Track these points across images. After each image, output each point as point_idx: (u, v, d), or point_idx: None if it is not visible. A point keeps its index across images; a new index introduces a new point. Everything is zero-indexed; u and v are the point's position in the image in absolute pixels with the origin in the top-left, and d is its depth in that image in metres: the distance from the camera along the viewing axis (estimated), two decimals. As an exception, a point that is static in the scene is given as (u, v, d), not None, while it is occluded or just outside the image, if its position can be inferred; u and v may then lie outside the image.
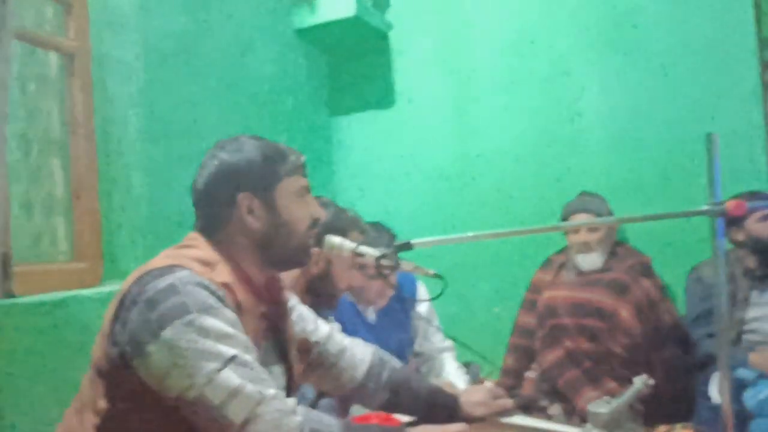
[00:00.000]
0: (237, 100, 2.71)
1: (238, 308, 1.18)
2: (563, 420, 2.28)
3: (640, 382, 1.40)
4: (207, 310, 1.10)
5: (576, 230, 2.56)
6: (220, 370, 1.07)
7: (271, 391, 1.11)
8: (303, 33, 3.15)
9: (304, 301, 1.59)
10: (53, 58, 2.16)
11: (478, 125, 3.12)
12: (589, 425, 1.33)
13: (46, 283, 1.93)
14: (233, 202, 1.25)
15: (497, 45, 3.08)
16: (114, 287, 1.94)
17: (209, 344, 1.08)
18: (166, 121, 2.34)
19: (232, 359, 1.09)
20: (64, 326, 1.82)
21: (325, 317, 1.68)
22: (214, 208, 1.27)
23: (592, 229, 2.51)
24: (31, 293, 1.81)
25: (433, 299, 1.64)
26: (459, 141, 3.16)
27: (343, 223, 1.82)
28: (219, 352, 1.08)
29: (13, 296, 1.75)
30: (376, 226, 2.20)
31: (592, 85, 2.90)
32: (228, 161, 1.26)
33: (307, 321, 1.51)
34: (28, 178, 2.05)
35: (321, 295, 1.81)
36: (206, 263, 1.20)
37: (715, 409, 2.01)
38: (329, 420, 1.18)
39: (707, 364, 2.30)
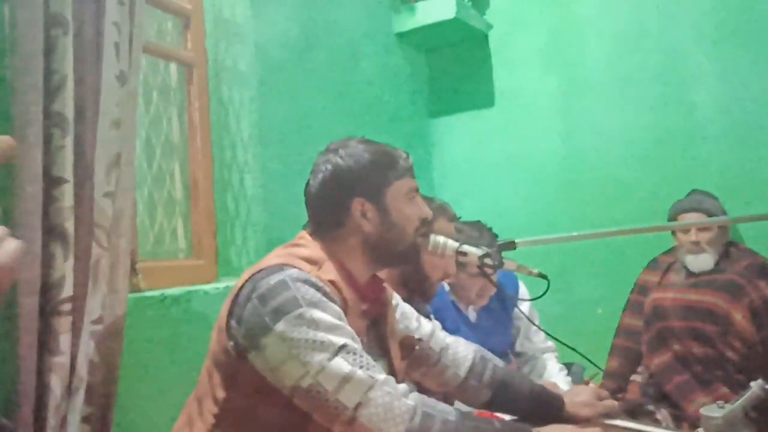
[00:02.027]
0: (344, 104, 2.79)
1: (343, 305, 1.24)
2: (672, 425, 2.22)
3: (758, 386, 1.34)
4: (316, 304, 1.16)
5: (686, 230, 2.47)
6: (331, 358, 1.13)
7: (382, 376, 1.16)
8: (403, 36, 3.20)
9: (398, 294, 1.61)
10: (173, 68, 2.31)
11: (584, 122, 3.05)
12: (700, 430, 1.30)
13: (168, 279, 2.05)
14: (347, 207, 1.31)
15: (605, 38, 3.00)
16: (229, 283, 2.05)
17: (320, 335, 1.14)
18: (277, 126, 2.44)
19: (342, 348, 1.14)
20: (184, 319, 1.93)
21: (426, 314, 1.71)
22: (327, 212, 1.33)
23: (703, 228, 2.42)
24: (154, 288, 1.93)
25: (535, 299, 1.63)
26: (563, 139, 3.11)
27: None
28: (330, 341, 1.14)
29: (139, 290, 1.89)
30: (477, 225, 2.20)
31: (707, 76, 2.77)
32: (341, 166, 1.31)
33: (411, 319, 1.54)
34: (151, 180, 2.20)
35: (414, 288, 1.81)
36: (314, 262, 1.26)
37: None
38: (444, 407, 1.20)
39: (830, 372, 2.17)
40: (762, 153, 2.65)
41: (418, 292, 1.80)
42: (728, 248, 2.51)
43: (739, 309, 2.26)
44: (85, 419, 1.49)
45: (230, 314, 1.22)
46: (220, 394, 1.23)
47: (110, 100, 1.51)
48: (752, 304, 2.28)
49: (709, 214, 2.43)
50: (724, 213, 2.49)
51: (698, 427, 1.31)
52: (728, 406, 1.30)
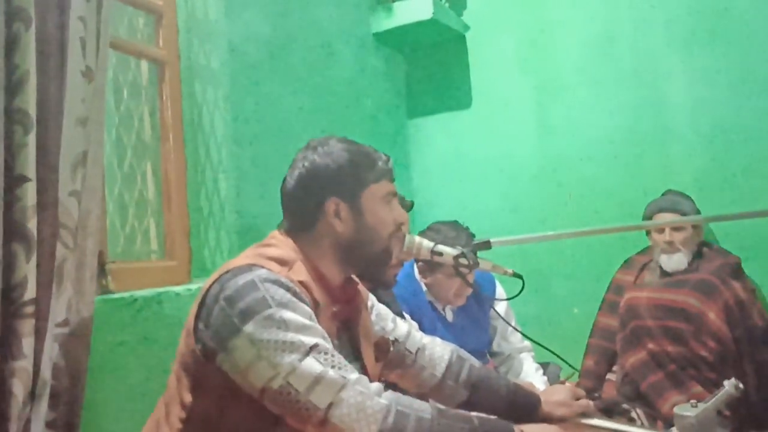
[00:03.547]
0: (320, 104, 2.77)
1: (314, 306, 1.22)
2: (647, 424, 2.22)
3: (731, 385, 1.35)
4: (285, 304, 1.14)
5: (660, 230, 2.49)
6: (302, 359, 1.11)
7: (354, 376, 1.14)
8: (380, 36, 3.19)
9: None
10: (144, 66, 2.27)
11: (560, 123, 3.07)
12: (674, 429, 1.30)
13: (139, 281, 2.01)
14: (321, 206, 1.29)
15: (579, 41, 3.03)
16: (202, 285, 2.02)
17: (290, 336, 1.12)
18: (252, 126, 2.42)
19: (314, 348, 1.12)
20: (155, 321, 1.90)
21: (398, 312, 1.69)
22: (301, 210, 1.31)
23: (677, 228, 2.44)
24: (125, 290, 1.89)
25: (511, 299, 1.63)
26: (539, 140, 3.12)
27: None
28: (300, 342, 1.12)
29: (108, 292, 1.85)
30: (454, 225, 2.20)
31: (679, 79, 2.80)
32: (318, 164, 1.29)
33: (386, 320, 1.53)
34: (122, 180, 2.16)
35: (370, 276, 1.77)
36: (284, 262, 1.24)
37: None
38: (420, 404, 1.18)
39: (803, 370, 2.19)
40: (732, 154, 2.68)
41: (375, 280, 1.76)
42: (702, 248, 2.53)
43: (712, 308, 2.28)
44: (50, 425, 1.45)
45: (198, 316, 1.20)
46: (188, 398, 1.20)
47: (76, 97, 1.47)
48: (726, 303, 2.30)
49: (684, 214, 2.45)
50: (698, 213, 2.51)
51: (673, 425, 1.31)
52: (702, 405, 1.30)
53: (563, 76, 3.07)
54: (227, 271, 1.20)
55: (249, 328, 1.11)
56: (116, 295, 1.83)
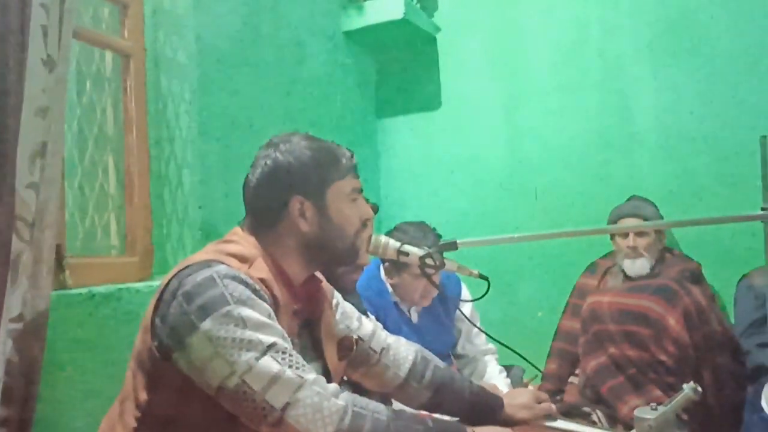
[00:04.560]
0: (288, 101, 2.75)
1: (274, 304, 1.20)
2: (607, 426, 2.25)
3: (689, 389, 1.36)
4: (244, 301, 1.12)
5: (624, 234, 2.52)
6: (259, 357, 1.09)
7: (311, 376, 1.12)
8: (351, 35, 3.18)
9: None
10: (109, 57, 2.22)
11: (528, 127, 3.10)
12: (634, 432, 1.31)
13: (98, 276, 1.98)
14: (284, 204, 1.27)
15: (548, 46, 3.06)
16: (163, 281, 1.99)
17: (248, 333, 1.10)
18: (218, 121, 2.38)
19: (271, 346, 1.11)
20: (114, 318, 1.86)
21: (362, 311, 1.68)
22: (264, 208, 1.29)
23: (641, 233, 2.47)
24: (83, 285, 1.86)
25: (476, 300, 1.63)
26: (507, 143, 3.14)
27: None
28: (258, 340, 1.10)
29: (66, 287, 1.81)
30: (421, 225, 2.20)
31: (645, 87, 2.85)
32: (281, 162, 1.27)
33: (351, 318, 1.51)
34: (82, 173, 2.11)
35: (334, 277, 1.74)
36: (244, 259, 1.22)
37: (767, 421, 1.96)
38: (376, 406, 1.17)
39: (758, 374, 2.23)
40: (696, 161, 2.73)
41: (341, 283, 1.76)
42: (664, 254, 2.56)
43: (672, 313, 2.31)
44: (2, 422, 1.41)
45: (155, 312, 1.17)
46: (143, 396, 1.17)
47: (36, 86, 1.44)
48: (686, 309, 2.33)
49: (647, 219, 2.48)
50: (662, 219, 2.54)
51: (632, 428, 1.32)
52: (661, 408, 1.31)
53: (532, 80, 3.09)
54: (186, 267, 1.18)
55: (206, 325, 1.09)
56: (74, 291, 1.80)
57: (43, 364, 1.53)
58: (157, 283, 2.01)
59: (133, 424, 1.17)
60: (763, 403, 2.15)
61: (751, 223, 2.41)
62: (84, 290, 1.81)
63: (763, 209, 1.15)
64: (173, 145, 2.32)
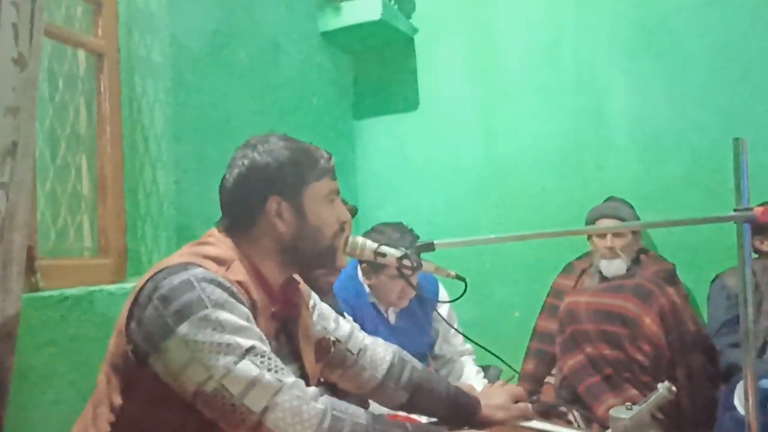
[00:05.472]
0: (265, 102, 2.73)
1: (252, 307, 1.19)
2: (583, 426, 2.26)
3: (664, 388, 1.37)
4: (222, 305, 1.11)
5: (601, 235, 2.54)
6: (237, 361, 1.08)
7: (290, 379, 1.11)
8: (328, 36, 3.17)
9: None
10: (82, 56, 2.19)
11: (504, 129, 3.11)
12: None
13: (71, 278, 1.94)
14: (261, 205, 1.25)
15: (524, 49, 3.08)
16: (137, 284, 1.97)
17: (226, 337, 1.08)
18: (193, 122, 2.36)
19: (250, 350, 1.09)
20: (86, 321, 1.83)
21: (339, 311, 1.67)
22: (241, 209, 1.28)
23: (618, 234, 2.50)
24: (55, 287, 1.82)
25: (453, 300, 1.63)
26: (484, 145, 3.16)
27: None
28: (236, 344, 1.09)
29: (37, 290, 1.78)
30: (398, 226, 2.19)
31: (619, 90, 2.88)
32: (258, 162, 1.26)
33: (328, 320, 1.50)
34: (55, 174, 2.08)
35: (312, 279, 1.73)
36: (221, 261, 1.20)
37: (739, 420, 1.98)
38: (356, 410, 1.16)
39: (731, 373, 2.26)
40: (668, 164, 2.77)
41: (317, 285, 1.75)
42: (639, 255, 2.59)
43: (648, 313, 2.33)
44: (-30, 428, 1.38)
45: (130, 316, 1.15)
46: (117, 400, 1.15)
47: (6, 85, 1.41)
48: (661, 308, 2.36)
49: (623, 221, 2.50)
50: (638, 220, 2.57)
51: (608, 427, 1.33)
52: (636, 408, 1.32)
53: (509, 81, 3.11)
54: (162, 269, 1.16)
55: (183, 329, 1.08)
56: (45, 293, 1.77)
57: (14, 368, 1.50)
58: (132, 285, 1.99)
59: (107, 428, 1.15)
60: (736, 402, 2.18)
61: (724, 224, 2.43)
62: (56, 293, 1.78)
63: (735, 210, 1.16)
64: (147, 146, 2.29)
